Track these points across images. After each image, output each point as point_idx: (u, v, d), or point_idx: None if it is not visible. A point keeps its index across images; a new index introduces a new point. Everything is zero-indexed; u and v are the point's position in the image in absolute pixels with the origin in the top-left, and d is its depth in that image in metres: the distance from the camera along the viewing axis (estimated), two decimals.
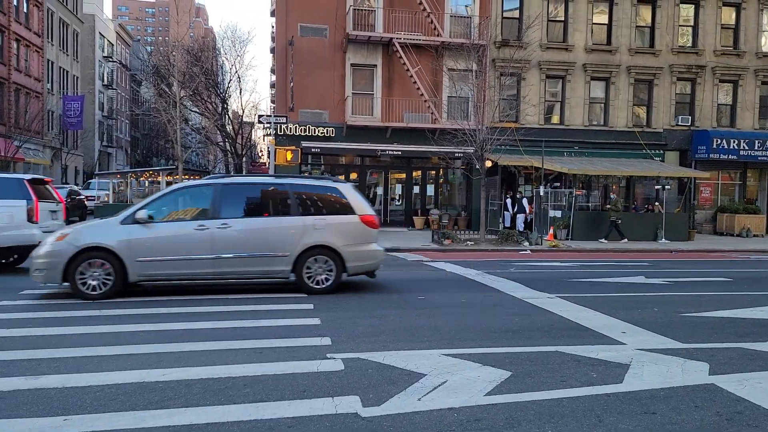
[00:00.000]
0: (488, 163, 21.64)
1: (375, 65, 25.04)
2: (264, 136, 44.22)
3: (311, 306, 8.49)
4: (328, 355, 5.92)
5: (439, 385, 5.04)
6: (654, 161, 25.88)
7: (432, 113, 24.32)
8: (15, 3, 40.28)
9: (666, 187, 23.39)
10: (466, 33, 24.86)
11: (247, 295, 9.28)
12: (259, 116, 22.17)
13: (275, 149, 18.72)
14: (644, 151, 26.23)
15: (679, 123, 26.89)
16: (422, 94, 24.09)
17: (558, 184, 23.83)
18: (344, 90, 24.79)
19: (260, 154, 73.41)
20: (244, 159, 59.36)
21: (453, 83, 23.02)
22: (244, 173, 62.59)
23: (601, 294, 10.17)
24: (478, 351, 6.18)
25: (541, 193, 21.37)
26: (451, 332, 7.07)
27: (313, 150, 24.24)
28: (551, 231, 20.56)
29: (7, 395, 4.67)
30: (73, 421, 4.19)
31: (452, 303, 9.06)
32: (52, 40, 47.53)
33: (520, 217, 23.29)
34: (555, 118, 26.55)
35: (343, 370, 5.45)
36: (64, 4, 50.62)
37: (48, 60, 46.70)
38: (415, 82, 24.02)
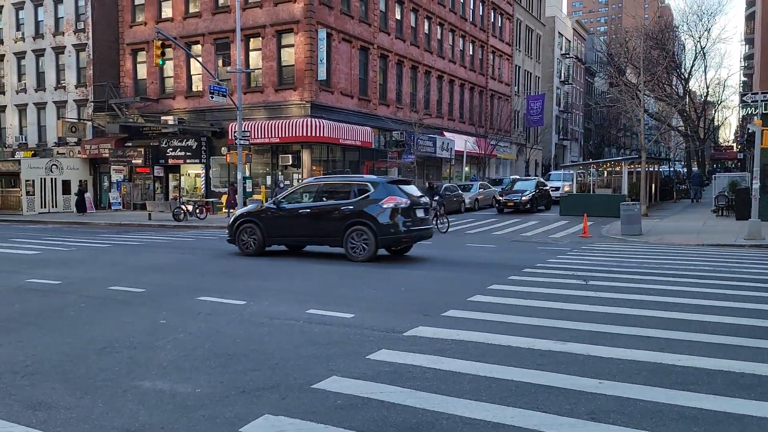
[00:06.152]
0: None
1: None
2: (744, 116, 39.26)
3: None
4: None
5: None
6: None
7: None
8: (492, 20, 46.57)
9: None
10: None
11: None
12: (742, 95, 19.72)
13: (762, 131, 16.33)
14: None
15: None
16: None
17: None
18: None
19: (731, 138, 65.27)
20: (705, 143, 53.82)
21: None
22: (704, 159, 57.05)
23: None
24: None
25: None
26: None
27: None
28: None
29: (546, 354, 5.63)
30: (606, 386, 4.76)
31: None
32: (519, 47, 53.13)
33: None
34: None
35: None
36: (530, 11, 55.79)
37: (516, 65, 52.42)
38: None
